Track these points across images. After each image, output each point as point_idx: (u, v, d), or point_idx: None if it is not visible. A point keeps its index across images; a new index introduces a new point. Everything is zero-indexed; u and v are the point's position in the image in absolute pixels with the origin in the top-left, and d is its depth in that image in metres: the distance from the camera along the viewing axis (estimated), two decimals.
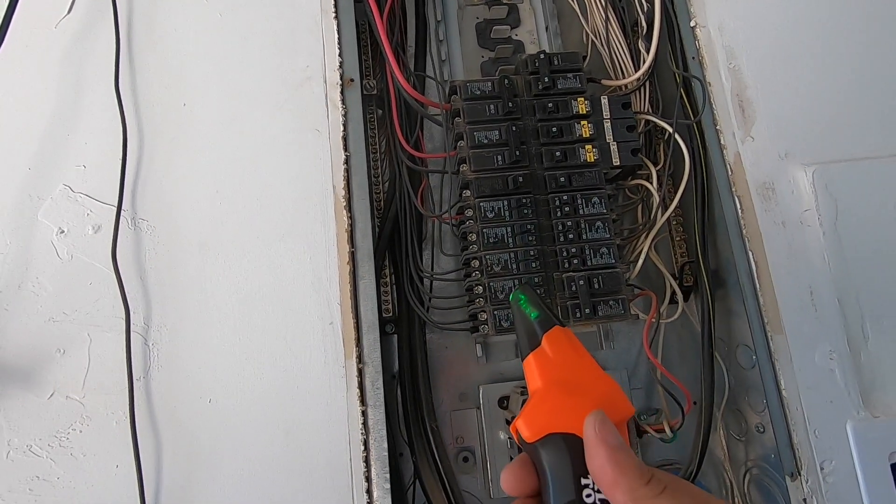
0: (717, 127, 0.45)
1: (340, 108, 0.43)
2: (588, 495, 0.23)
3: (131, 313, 0.38)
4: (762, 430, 0.43)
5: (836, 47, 0.47)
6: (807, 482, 0.39)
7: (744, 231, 0.43)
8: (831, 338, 0.41)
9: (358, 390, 0.38)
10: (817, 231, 0.43)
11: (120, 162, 0.41)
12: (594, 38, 0.52)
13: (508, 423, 0.44)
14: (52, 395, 0.37)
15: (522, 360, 0.27)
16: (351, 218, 0.41)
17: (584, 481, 0.23)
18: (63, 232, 0.40)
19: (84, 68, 0.43)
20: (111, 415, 0.37)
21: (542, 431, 0.24)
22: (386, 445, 0.38)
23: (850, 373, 0.40)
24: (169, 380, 0.38)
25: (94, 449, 0.36)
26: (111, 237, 0.39)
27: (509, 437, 0.43)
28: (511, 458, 0.43)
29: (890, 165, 0.44)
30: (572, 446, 0.23)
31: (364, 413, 0.38)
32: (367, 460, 0.37)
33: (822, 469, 0.39)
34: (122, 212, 0.40)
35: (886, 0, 0.48)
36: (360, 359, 0.39)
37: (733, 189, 0.44)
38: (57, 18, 0.44)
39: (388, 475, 0.37)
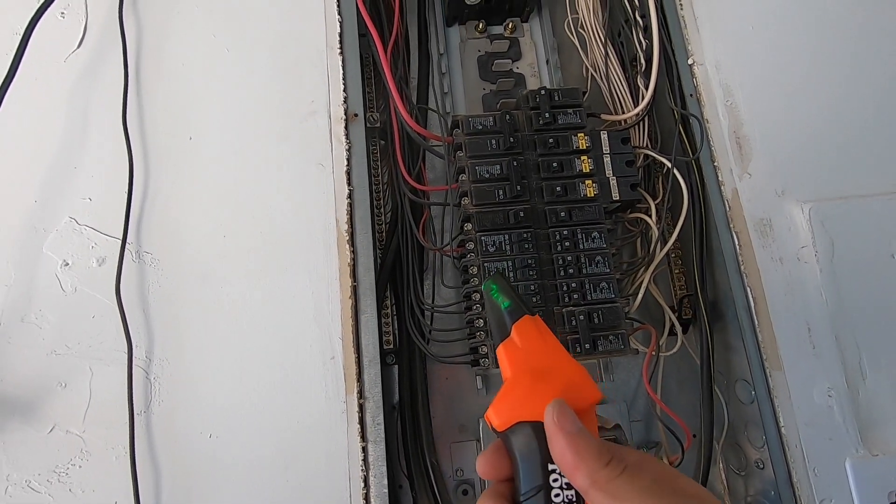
0: (715, 164, 0.46)
1: (344, 143, 0.44)
2: (555, 480, 0.24)
3: (134, 347, 0.38)
4: (762, 465, 0.43)
5: (833, 84, 0.48)
6: None
7: (742, 266, 0.44)
8: (829, 375, 0.41)
9: (359, 426, 0.38)
10: (814, 268, 0.43)
11: (126, 195, 0.41)
12: (594, 73, 0.53)
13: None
14: (52, 430, 0.37)
15: (495, 350, 0.28)
16: (353, 252, 0.42)
17: (551, 467, 0.24)
18: (67, 264, 0.40)
19: (92, 102, 0.44)
20: (111, 450, 0.37)
21: (510, 420, 0.25)
22: (386, 482, 0.37)
23: (849, 410, 0.41)
24: (170, 414, 0.38)
25: (93, 484, 0.36)
26: (115, 270, 0.39)
27: None
28: None
29: (886, 203, 0.45)
30: (540, 433, 0.24)
31: (364, 449, 0.38)
32: (367, 497, 0.37)
33: None
34: (127, 244, 0.40)
35: (880, 38, 0.49)
36: (361, 394, 0.39)
37: (731, 225, 0.45)
38: (67, 52, 0.44)
39: None
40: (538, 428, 0.24)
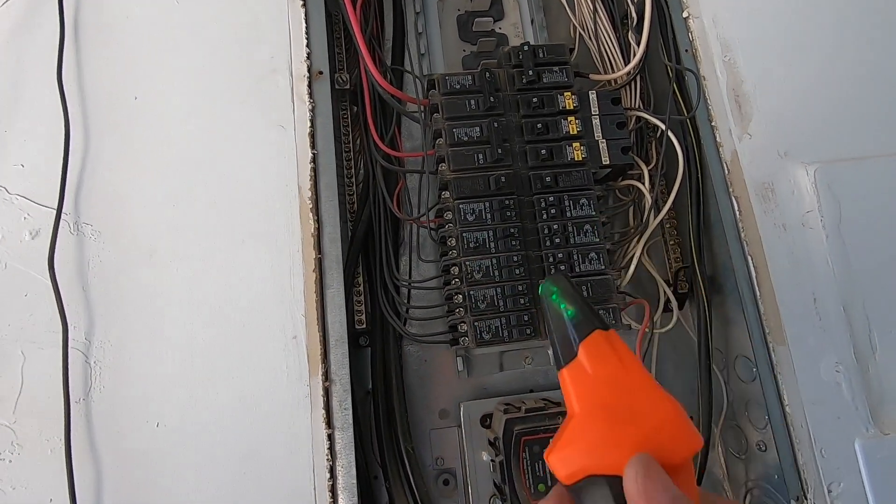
0: (713, 123, 0.42)
1: (308, 103, 0.40)
2: None
3: (70, 328, 0.34)
4: (764, 448, 0.40)
5: (839, 40, 0.44)
6: None
7: (742, 234, 0.40)
8: (837, 349, 0.38)
9: (324, 411, 0.34)
10: (820, 234, 0.40)
11: (62, 161, 0.37)
12: (582, 31, 0.50)
13: (491, 443, 0.40)
14: None
15: (557, 371, 0.22)
16: (318, 221, 0.38)
17: None
18: None
19: (24, 59, 0.39)
20: (46, 442, 0.33)
21: (580, 473, 0.19)
22: (355, 472, 0.34)
23: (858, 387, 0.37)
24: (112, 402, 0.34)
25: (24, 481, 0.33)
26: (49, 243, 0.35)
27: (492, 460, 0.40)
28: (494, 483, 0.40)
29: (894, 164, 0.41)
30: (619, 493, 0.19)
31: (330, 436, 0.34)
32: (333, 489, 0.34)
33: (829, 492, 0.36)
34: (64, 215, 0.36)
35: None
36: (326, 376, 0.35)
37: (730, 189, 0.41)
38: None
39: None
40: (616, 485, 0.19)
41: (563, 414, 0.38)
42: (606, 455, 0.19)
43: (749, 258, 0.40)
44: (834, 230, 0.40)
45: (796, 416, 0.37)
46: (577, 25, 0.50)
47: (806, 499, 0.36)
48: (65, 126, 0.37)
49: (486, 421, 0.42)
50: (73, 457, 0.32)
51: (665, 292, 0.44)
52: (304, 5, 0.42)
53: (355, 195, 0.46)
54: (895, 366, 0.38)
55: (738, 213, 0.41)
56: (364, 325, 0.43)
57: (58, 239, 0.36)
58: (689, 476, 0.20)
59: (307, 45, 0.41)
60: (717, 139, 0.42)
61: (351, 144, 0.47)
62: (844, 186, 0.41)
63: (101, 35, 0.40)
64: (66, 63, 0.39)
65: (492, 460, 0.40)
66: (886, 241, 0.40)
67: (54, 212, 0.36)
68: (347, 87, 0.46)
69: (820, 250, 0.40)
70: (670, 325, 0.43)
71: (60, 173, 0.37)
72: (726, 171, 0.42)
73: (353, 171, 0.47)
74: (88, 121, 0.38)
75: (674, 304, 0.44)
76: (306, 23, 0.41)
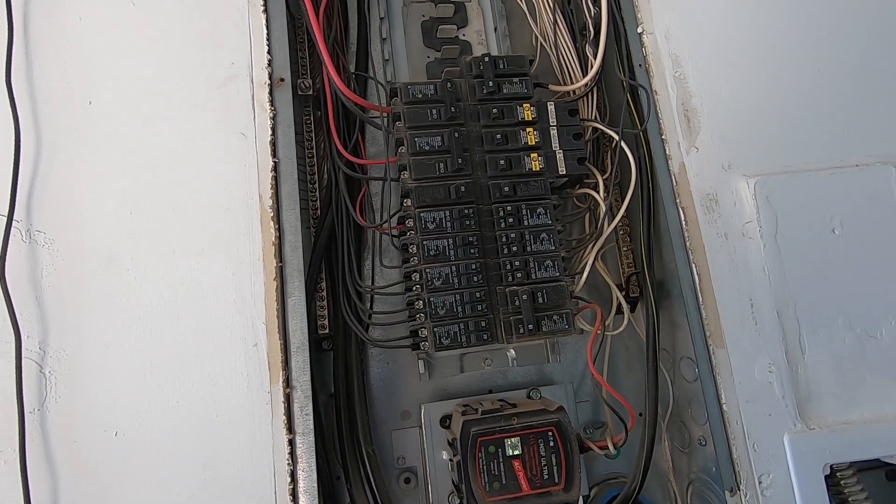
0: (663, 136, 0.45)
1: (269, 110, 0.40)
2: None
3: (23, 337, 0.34)
4: (704, 442, 0.43)
5: (781, 59, 0.47)
6: (745, 496, 0.39)
7: (687, 243, 0.43)
8: (770, 351, 0.41)
9: (284, 417, 0.35)
10: (758, 243, 0.43)
11: (12, 166, 0.36)
12: (543, 41, 0.51)
13: (450, 443, 0.42)
14: None
15: None
16: (279, 230, 0.38)
17: None
18: None
19: None
20: None
21: None
22: (316, 476, 0.35)
23: (788, 385, 0.40)
24: (68, 411, 0.34)
25: None
26: None
27: (450, 459, 0.41)
28: (453, 482, 0.41)
29: (829, 177, 0.44)
30: None
31: (291, 442, 0.35)
32: (293, 492, 0.35)
33: (759, 483, 0.39)
34: (15, 223, 0.36)
35: (829, 14, 0.48)
36: (287, 383, 0.36)
37: (677, 200, 0.43)
38: None
39: None
40: None
41: (518, 415, 0.40)
42: None
43: (693, 266, 0.42)
44: (771, 240, 0.43)
45: (732, 414, 0.40)
46: (538, 35, 0.51)
47: (739, 489, 0.39)
48: (14, 130, 0.37)
49: (445, 422, 0.44)
50: (27, 468, 0.32)
51: (617, 297, 0.46)
52: (266, 10, 0.42)
53: (318, 200, 0.46)
54: (821, 365, 0.41)
55: (684, 222, 0.43)
56: (327, 330, 0.43)
57: (9, 247, 0.35)
58: None
59: (268, 52, 0.41)
60: (667, 152, 0.44)
61: (314, 149, 0.47)
62: (782, 198, 0.43)
63: (52, 36, 0.39)
64: (16, 65, 0.38)
65: (450, 459, 0.41)
66: (817, 250, 0.43)
67: (4, 219, 0.35)
68: (310, 92, 0.46)
69: (758, 259, 0.42)
70: (622, 328, 0.46)
71: (11, 179, 0.36)
72: (674, 183, 0.44)
73: (316, 175, 0.47)
74: (40, 125, 0.38)
75: (626, 307, 0.46)
76: (267, 28, 0.41)
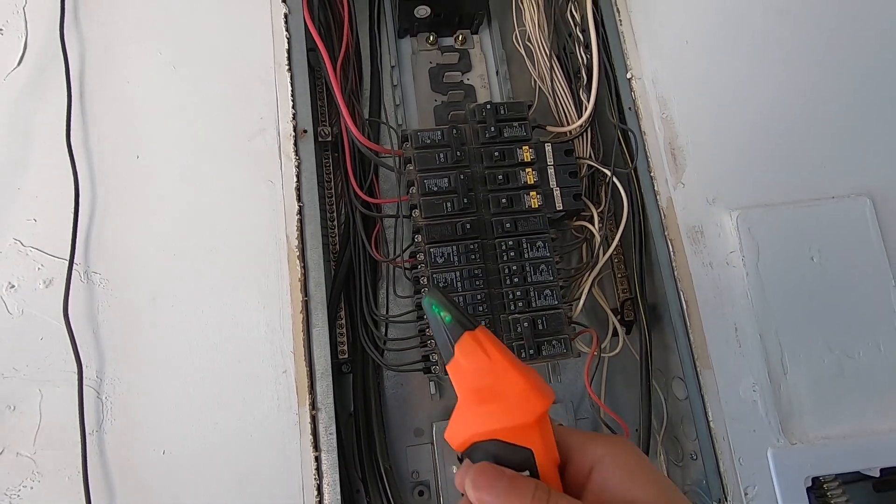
0: (652, 174, 0.48)
1: (294, 160, 0.45)
2: None
3: (84, 367, 0.39)
4: (695, 457, 0.46)
5: (760, 98, 0.51)
6: None
7: (675, 272, 0.46)
8: (754, 371, 0.44)
9: (311, 436, 0.39)
10: (741, 271, 0.46)
11: (72, 215, 0.41)
12: (541, 84, 0.55)
13: (459, 458, 0.46)
14: (2, 453, 0.37)
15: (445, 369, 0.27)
16: (304, 267, 0.43)
17: None
18: (13, 287, 0.40)
19: (34, 121, 0.43)
20: (62, 470, 0.37)
21: (465, 442, 0.25)
22: (339, 489, 0.39)
23: (771, 403, 0.44)
24: (122, 432, 0.38)
25: None
26: (63, 291, 0.40)
27: None
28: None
29: (806, 209, 0.48)
30: (494, 451, 0.25)
31: (318, 458, 0.39)
32: None
33: (745, 494, 0.42)
34: (75, 265, 0.40)
35: (803, 56, 0.52)
36: (313, 405, 0.40)
37: (666, 233, 0.47)
38: (6, 70, 0.44)
39: None
40: (492, 446, 0.25)
41: None
42: (479, 426, 0.25)
43: (681, 293, 0.46)
44: (753, 268, 0.46)
45: (719, 430, 0.43)
46: (536, 79, 0.56)
47: (727, 500, 0.42)
48: (74, 183, 0.42)
49: None
50: (89, 483, 0.36)
51: (613, 321, 0.50)
52: (290, 70, 0.47)
53: (337, 236, 0.51)
54: (802, 384, 0.45)
55: (672, 253, 0.47)
56: (346, 355, 0.48)
57: (70, 287, 0.40)
58: (546, 429, 0.25)
59: (293, 107, 0.46)
60: (655, 188, 0.48)
61: (333, 189, 0.52)
62: (762, 229, 0.47)
63: (104, 99, 0.44)
64: (74, 124, 0.43)
65: None
66: (797, 277, 0.46)
67: (66, 262, 0.40)
68: (330, 139, 0.51)
69: (741, 286, 0.46)
70: (617, 350, 0.49)
71: (71, 227, 0.41)
72: (663, 217, 0.48)
73: (335, 213, 0.52)
74: (95, 178, 0.43)
75: (621, 330, 0.50)
76: (292, 86, 0.46)
